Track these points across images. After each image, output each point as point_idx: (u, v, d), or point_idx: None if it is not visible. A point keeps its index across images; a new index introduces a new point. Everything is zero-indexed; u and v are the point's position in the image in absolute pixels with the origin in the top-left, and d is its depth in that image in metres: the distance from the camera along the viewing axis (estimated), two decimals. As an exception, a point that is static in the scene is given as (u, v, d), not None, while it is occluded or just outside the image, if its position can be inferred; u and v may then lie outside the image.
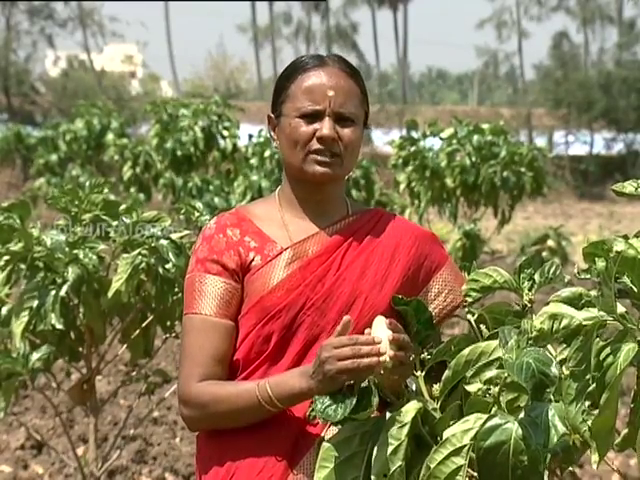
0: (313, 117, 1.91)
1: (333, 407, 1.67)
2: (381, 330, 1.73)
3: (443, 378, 1.74)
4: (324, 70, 1.93)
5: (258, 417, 1.83)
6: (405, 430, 1.62)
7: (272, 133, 2.01)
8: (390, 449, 1.61)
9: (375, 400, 1.66)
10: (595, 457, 1.43)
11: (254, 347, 1.89)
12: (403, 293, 1.93)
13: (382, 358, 1.68)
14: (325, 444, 1.68)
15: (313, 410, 1.73)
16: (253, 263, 1.91)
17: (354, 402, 1.66)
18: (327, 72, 1.92)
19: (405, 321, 1.91)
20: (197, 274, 1.91)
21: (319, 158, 1.90)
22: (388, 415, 1.66)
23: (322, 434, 1.82)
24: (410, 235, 2.01)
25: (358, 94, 1.95)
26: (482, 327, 1.88)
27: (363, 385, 1.70)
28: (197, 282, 1.91)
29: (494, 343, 1.69)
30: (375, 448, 1.63)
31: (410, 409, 1.64)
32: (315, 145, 1.90)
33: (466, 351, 1.71)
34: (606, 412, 1.39)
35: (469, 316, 1.93)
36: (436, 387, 1.75)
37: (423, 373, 1.81)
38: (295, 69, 1.95)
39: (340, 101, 1.91)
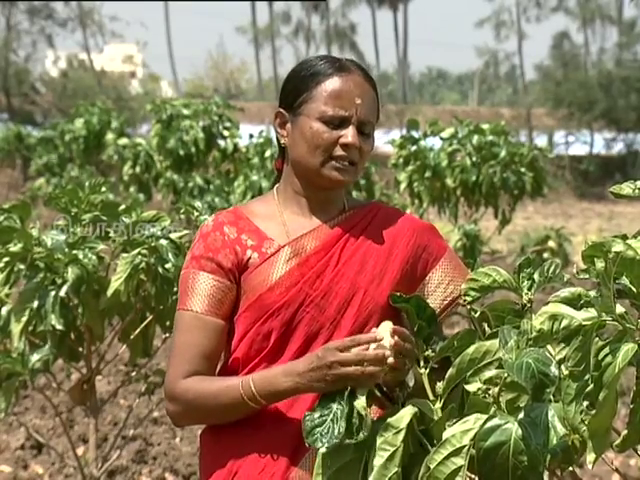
0: (336, 123, 1.89)
1: (320, 429, 1.65)
2: (383, 335, 1.73)
3: (447, 376, 1.72)
4: (351, 76, 1.91)
5: (243, 413, 1.84)
6: (400, 436, 1.61)
7: (279, 128, 1.98)
8: (386, 455, 1.60)
9: (366, 428, 1.64)
10: (591, 457, 1.43)
11: (254, 345, 1.89)
12: (402, 286, 1.93)
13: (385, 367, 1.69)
14: (321, 451, 1.66)
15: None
16: (250, 261, 1.91)
17: (342, 429, 1.64)
18: (354, 79, 1.91)
19: (406, 317, 1.90)
20: (191, 271, 1.92)
21: (339, 165, 1.90)
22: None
23: None
24: (408, 227, 2.01)
25: (376, 104, 1.96)
26: (485, 325, 1.88)
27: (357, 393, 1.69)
28: (190, 279, 1.91)
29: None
30: (371, 455, 1.62)
31: (405, 414, 1.63)
32: (338, 152, 1.89)
33: (471, 349, 1.71)
34: (603, 412, 1.39)
35: (471, 314, 1.93)
36: (439, 385, 1.74)
37: (427, 370, 1.80)
38: (318, 71, 1.92)
39: (365, 111, 1.90)
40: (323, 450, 1.64)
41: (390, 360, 1.69)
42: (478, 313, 1.89)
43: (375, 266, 1.94)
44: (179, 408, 1.89)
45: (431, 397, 1.73)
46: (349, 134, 1.89)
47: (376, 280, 1.93)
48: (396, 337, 1.73)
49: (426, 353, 1.81)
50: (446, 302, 2.00)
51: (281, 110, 1.97)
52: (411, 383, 1.79)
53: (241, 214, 1.97)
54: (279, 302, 1.88)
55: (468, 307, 1.92)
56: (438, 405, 1.70)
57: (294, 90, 1.95)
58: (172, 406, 1.90)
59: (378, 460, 1.61)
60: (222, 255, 1.91)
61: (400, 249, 1.97)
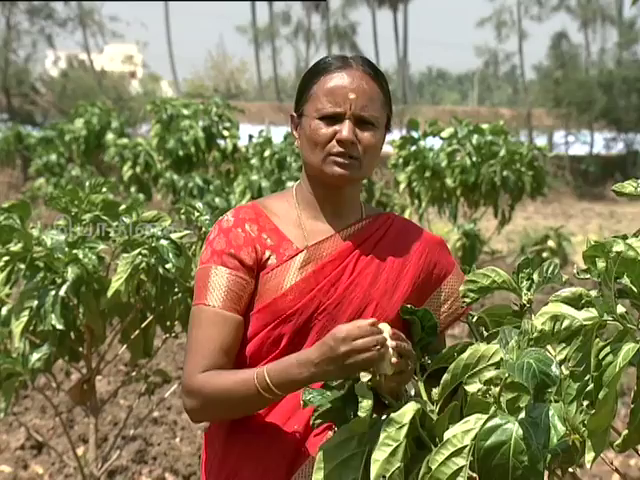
0: (334, 119, 1.89)
1: (318, 397, 1.68)
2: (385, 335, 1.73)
3: (442, 381, 1.73)
4: (347, 72, 1.91)
5: (258, 405, 1.83)
6: (403, 431, 1.61)
7: (294, 132, 2.01)
8: (389, 450, 1.60)
9: (365, 404, 1.65)
10: (589, 456, 1.43)
11: (263, 347, 1.89)
12: (412, 300, 1.94)
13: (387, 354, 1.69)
14: (322, 446, 1.67)
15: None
16: (269, 261, 1.91)
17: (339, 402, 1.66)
18: (350, 74, 1.91)
19: (411, 328, 1.91)
20: (213, 266, 1.90)
21: (338, 160, 1.89)
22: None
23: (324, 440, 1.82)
24: (421, 242, 2.01)
25: (380, 97, 1.94)
26: (482, 329, 1.88)
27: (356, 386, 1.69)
28: (212, 274, 1.89)
29: (494, 347, 1.68)
30: (373, 450, 1.62)
31: (408, 410, 1.63)
32: (335, 147, 1.89)
33: (465, 354, 1.71)
34: (602, 411, 1.39)
35: (469, 318, 1.93)
36: (435, 391, 1.74)
37: (423, 378, 1.80)
38: (318, 70, 1.94)
39: (361, 104, 1.89)
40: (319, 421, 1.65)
41: (393, 360, 1.70)
42: (475, 318, 1.89)
43: (388, 279, 1.94)
44: (197, 403, 1.86)
45: (427, 402, 1.73)
46: (343, 129, 1.88)
47: (388, 293, 1.93)
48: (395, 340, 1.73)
49: (422, 360, 1.82)
50: (450, 318, 2.02)
51: (292, 114, 2.00)
52: (412, 392, 1.79)
53: (260, 211, 1.96)
54: (292, 308, 1.88)
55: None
56: (435, 409, 1.70)
57: (299, 92, 1.97)
58: (190, 401, 1.88)
59: (381, 455, 1.60)
60: (244, 252, 1.90)
61: (412, 264, 1.98)
